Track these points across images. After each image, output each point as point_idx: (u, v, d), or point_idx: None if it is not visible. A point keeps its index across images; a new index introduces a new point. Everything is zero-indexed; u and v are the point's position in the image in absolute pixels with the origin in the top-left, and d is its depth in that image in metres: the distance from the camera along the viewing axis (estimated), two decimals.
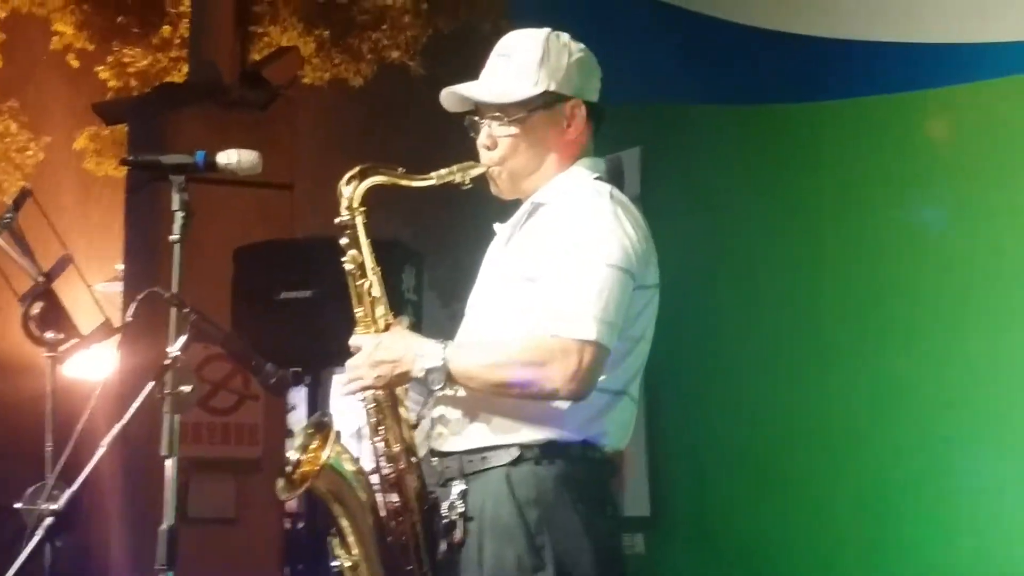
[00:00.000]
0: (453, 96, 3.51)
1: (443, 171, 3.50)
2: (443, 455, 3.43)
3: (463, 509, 3.35)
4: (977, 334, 4.88)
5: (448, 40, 13.03)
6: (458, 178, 3.50)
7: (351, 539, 3.47)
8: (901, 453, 5.09)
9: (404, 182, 3.52)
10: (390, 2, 13.31)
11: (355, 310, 3.49)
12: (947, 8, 5.03)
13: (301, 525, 9.52)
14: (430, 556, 3.41)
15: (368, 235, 3.49)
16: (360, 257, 3.48)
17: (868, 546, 5.18)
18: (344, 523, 3.48)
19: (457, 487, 3.37)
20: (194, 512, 8.01)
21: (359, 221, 3.48)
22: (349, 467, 3.48)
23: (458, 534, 3.34)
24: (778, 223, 5.61)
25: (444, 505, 3.38)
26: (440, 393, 3.37)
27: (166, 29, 13.53)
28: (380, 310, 3.47)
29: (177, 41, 13.41)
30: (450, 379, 3.30)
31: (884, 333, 5.19)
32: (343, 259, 3.49)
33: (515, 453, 3.32)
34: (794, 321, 5.54)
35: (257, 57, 10.87)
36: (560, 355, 3.21)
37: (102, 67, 13.99)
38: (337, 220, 3.48)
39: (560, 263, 3.29)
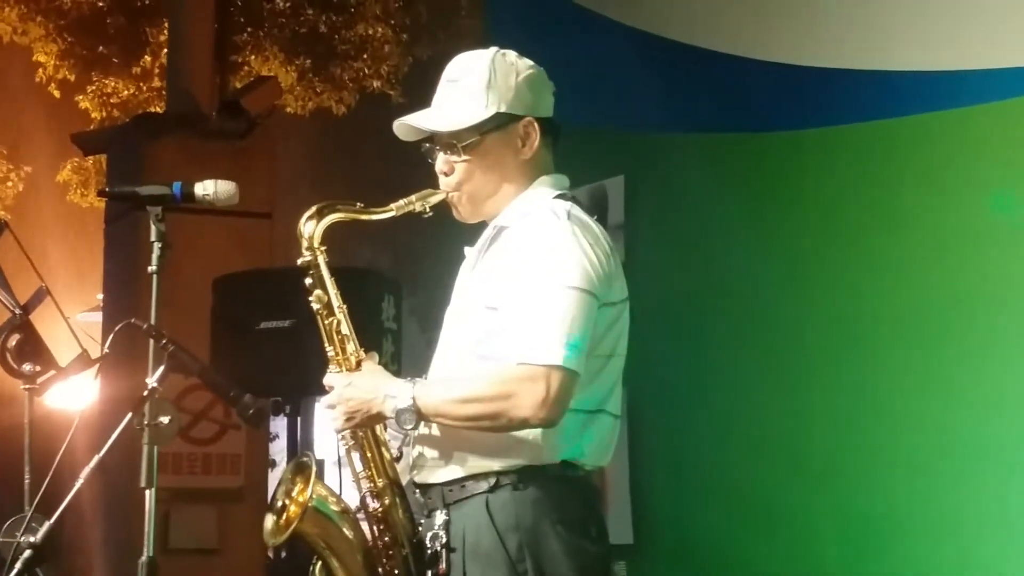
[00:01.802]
0: (406, 126, 3.49)
1: (401, 202, 3.48)
2: (424, 487, 3.42)
3: (445, 539, 3.33)
4: (960, 358, 4.88)
5: (429, 68, 13.07)
6: (417, 207, 3.48)
7: None
8: (883, 478, 5.09)
9: (363, 216, 3.52)
10: (371, 31, 13.34)
11: (326, 349, 3.49)
12: (926, 36, 5.05)
13: (284, 555, 9.48)
14: None
15: (338, 271, 3.50)
16: (325, 296, 3.48)
17: (848, 567, 5.18)
18: (334, 563, 3.47)
19: (440, 517, 3.35)
20: (176, 543, 7.97)
21: (321, 260, 3.47)
22: (334, 508, 3.47)
23: (442, 565, 3.32)
24: (761, 250, 5.62)
25: (428, 536, 3.36)
26: (414, 432, 3.37)
27: (147, 59, 13.53)
28: (350, 347, 3.46)
29: (157, 71, 13.41)
30: (421, 418, 3.29)
31: (867, 358, 5.20)
32: (310, 299, 3.49)
33: (492, 480, 3.30)
34: (777, 347, 5.54)
35: (239, 86, 10.87)
36: (528, 383, 3.18)
37: (82, 97, 13.98)
38: (300, 261, 3.48)
39: (521, 289, 3.26)
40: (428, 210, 3.49)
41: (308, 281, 3.48)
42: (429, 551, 3.34)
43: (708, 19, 5.97)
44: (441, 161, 3.47)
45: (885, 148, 5.17)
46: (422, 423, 3.33)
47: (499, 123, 3.42)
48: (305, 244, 3.46)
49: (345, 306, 3.48)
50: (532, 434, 3.27)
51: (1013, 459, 4.70)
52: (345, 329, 3.46)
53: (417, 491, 3.44)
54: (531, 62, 3.48)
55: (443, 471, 3.37)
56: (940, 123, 4.96)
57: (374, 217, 3.52)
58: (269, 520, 3.48)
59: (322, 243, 3.47)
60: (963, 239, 4.89)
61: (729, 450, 5.70)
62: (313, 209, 3.49)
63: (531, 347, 3.20)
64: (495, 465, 3.31)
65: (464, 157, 3.43)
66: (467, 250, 3.54)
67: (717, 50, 5.85)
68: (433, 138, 3.49)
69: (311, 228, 3.47)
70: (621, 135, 6.24)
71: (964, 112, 4.88)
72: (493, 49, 3.49)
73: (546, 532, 3.28)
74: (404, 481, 3.48)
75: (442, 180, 3.49)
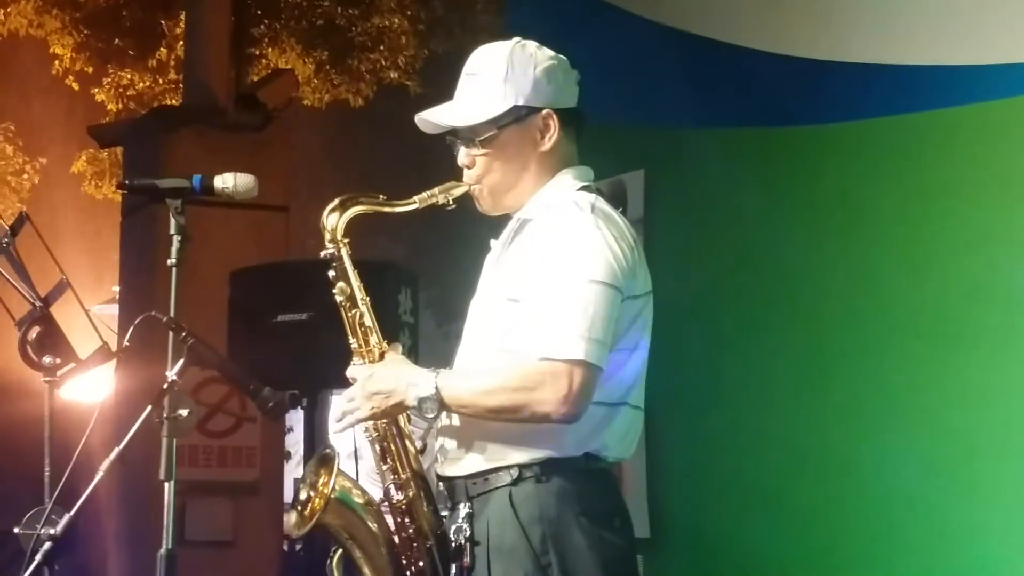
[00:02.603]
0: (428, 120, 3.49)
1: (424, 194, 3.49)
2: (448, 479, 3.43)
3: (469, 532, 3.34)
4: (978, 358, 4.86)
5: (446, 60, 13.09)
6: (440, 199, 3.49)
7: (366, 570, 3.47)
8: (901, 476, 5.07)
9: (386, 209, 3.53)
10: (388, 23, 13.36)
11: (349, 341, 3.49)
12: (946, 30, 5.03)
13: (299, 548, 9.51)
14: None
15: (355, 264, 3.50)
16: (349, 288, 3.48)
17: (863, 566, 5.17)
18: (358, 554, 3.47)
19: (463, 510, 3.36)
20: (191, 535, 7.99)
21: (344, 252, 3.48)
22: (358, 500, 3.47)
23: (466, 559, 3.33)
24: (780, 245, 5.61)
25: (452, 529, 3.37)
26: (435, 422, 3.38)
27: (162, 52, 13.55)
28: (373, 339, 3.47)
29: (173, 63, 13.44)
30: (443, 407, 3.30)
31: (885, 356, 5.17)
32: (333, 291, 3.49)
33: (515, 472, 3.31)
34: (795, 343, 5.53)
35: (256, 79, 10.89)
36: (550, 378, 3.18)
37: (98, 89, 14.01)
38: (323, 253, 3.48)
39: (544, 282, 3.26)
40: (451, 202, 3.49)
41: (331, 273, 3.48)
42: (453, 544, 3.36)
43: (728, 13, 5.95)
44: (462, 155, 3.48)
45: (905, 143, 5.14)
46: (445, 414, 3.35)
47: (517, 116, 3.41)
48: (328, 236, 3.47)
49: (368, 298, 3.49)
50: (555, 427, 3.26)
51: None
52: (368, 321, 3.47)
53: (441, 483, 3.45)
54: (552, 52, 3.48)
55: (466, 464, 3.38)
56: (961, 118, 4.93)
57: (397, 209, 3.52)
58: (294, 513, 3.49)
59: (345, 235, 3.47)
60: (984, 236, 4.86)
61: (745, 445, 5.69)
62: (336, 201, 3.49)
63: (553, 342, 3.20)
64: (518, 457, 3.31)
65: (483, 150, 3.43)
66: (492, 242, 3.54)
67: (737, 44, 5.82)
68: (456, 131, 3.48)
69: (334, 220, 3.47)
70: (641, 129, 6.22)
71: (985, 107, 4.85)
72: (513, 40, 3.48)
73: (569, 524, 3.29)
74: (426, 466, 3.49)
75: (465, 174, 3.50)
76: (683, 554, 5.97)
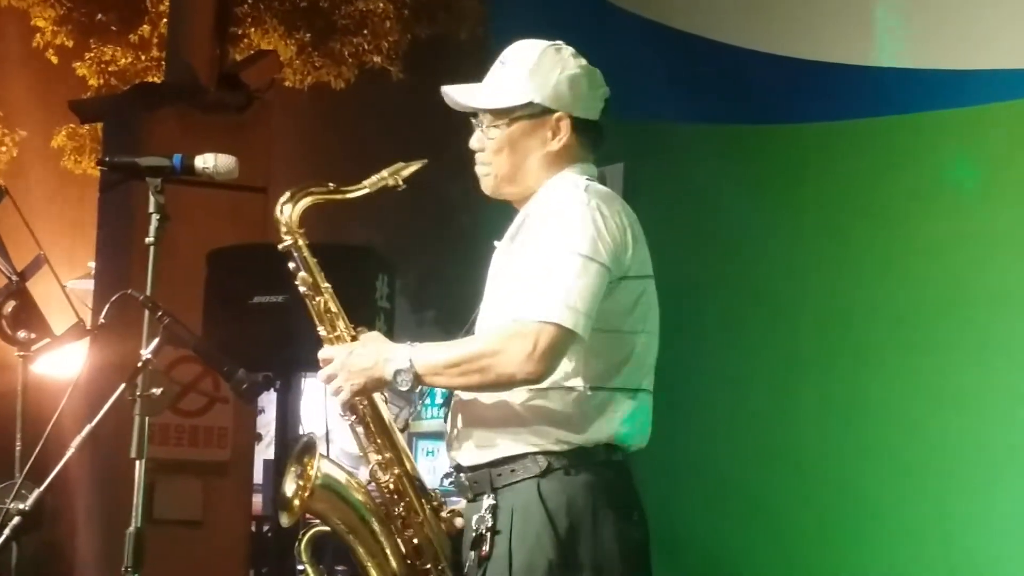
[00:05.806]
0: (450, 97, 3.55)
1: (374, 178, 3.54)
2: (470, 469, 3.44)
3: (492, 523, 3.34)
4: (954, 360, 4.89)
5: (428, 47, 13.07)
6: (390, 182, 3.54)
7: (360, 552, 3.48)
8: (871, 478, 5.10)
9: (338, 197, 3.56)
10: (371, 7, 13.34)
11: (318, 329, 3.52)
12: (935, 34, 5.05)
13: (267, 528, 9.51)
14: (445, 555, 3.45)
15: (334, 249, 3.52)
16: (311, 278, 3.52)
17: (835, 566, 5.19)
18: (350, 537, 3.50)
19: (486, 501, 3.37)
20: (160, 513, 7.96)
21: (302, 243, 3.52)
22: (344, 484, 3.50)
23: (485, 548, 3.33)
24: (759, 242, 5.63)
25: (473, 519, 3.37)
26: (416, 398, 3.39)
27: (145, 28, 13.49)
28: (340, 324, 3.51)
29: (156, 40, 13.39)
30: (418, 379, 3.31)
31: (860, 357, 5.20)
32: (296, 282, 3.53)
33: (543, 463, 3.32)
34: (772, 340, 5.55)
35: (238, 59, 10.85)
36: (517, 338, 3.21)
37: (79, 64, 13.95)
38: (281, 246, 3.52)
39: (534, 256, 3.31)
40: (402, 183, 3.54)
41: (292, 265, 3.52)
42: (474, 533, 3.35)
43: (713, 10, 5.98)
44: (474, 139, 3.54)
45: (886, 146, 5.17)
46: (457, 399, 3.40)
47: (531, 112, 3.47)
48: (284, 229, 3.51)
49: (329, 285, 3.53)
50: (577, 413, 3.31)
51: (1000, 461, 4.72)
52: (334, 307, 3.52)
53: (462, 474, 3.46)
54: (585, 63, 3.53)
55: (488, 451, 3.39)
56: (942, 122, 4.96)
57: (348, 196, 3.57)
58: (281, 504, 3.50)
59: (300, 225, 3.51)
60: (960, 240, 4.89)
61: (719, 444, 5.71)
62: (287, 194, 3.54)
63: (528, 305, 3.24)
64: (540, 445, 3.33)
65: (492, 135, 3.48)
66: (496, 243, 3.57)
67: (721, 41, 5.85)
68: (477, 115, 3.54)
69: (288, 212, 3.51)
70: (622, 123, 6.22)
71: (966, 112, 4.88)
72: (551, 41, 3.54)
73: (595, 516, 3.31)
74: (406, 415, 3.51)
75: (476, 157, 3.54)
76: (656, 552, 5.96)
